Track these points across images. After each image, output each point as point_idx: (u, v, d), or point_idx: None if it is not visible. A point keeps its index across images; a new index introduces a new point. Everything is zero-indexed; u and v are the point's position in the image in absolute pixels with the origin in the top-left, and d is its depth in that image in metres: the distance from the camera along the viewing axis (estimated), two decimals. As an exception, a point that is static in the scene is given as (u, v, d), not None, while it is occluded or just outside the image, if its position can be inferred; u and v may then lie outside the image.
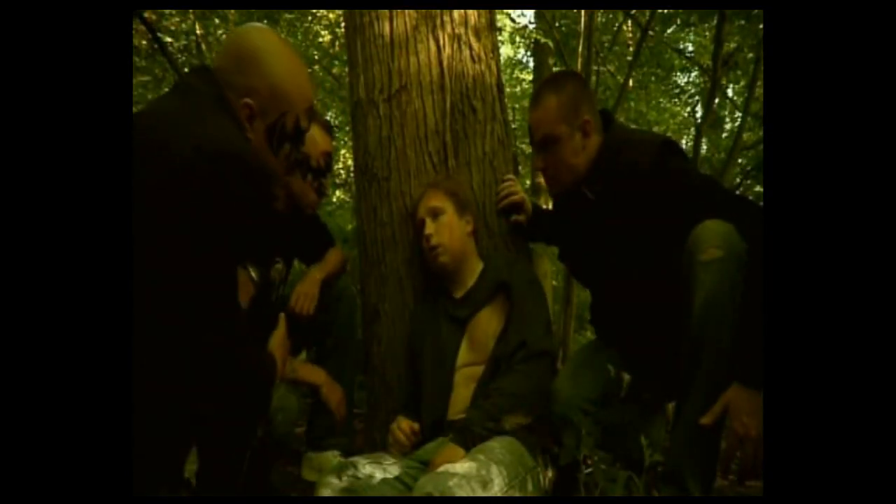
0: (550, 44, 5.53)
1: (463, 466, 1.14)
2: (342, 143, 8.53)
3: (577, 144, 1.49)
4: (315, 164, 1.76)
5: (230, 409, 0.98)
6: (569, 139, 1.49)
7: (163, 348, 0.89)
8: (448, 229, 1.56)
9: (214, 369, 0.93)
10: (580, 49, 4.84)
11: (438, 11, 1.84)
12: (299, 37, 7.92)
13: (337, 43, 7.63)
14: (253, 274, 1.09)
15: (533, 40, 6.25)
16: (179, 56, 6.37)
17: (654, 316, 1.40)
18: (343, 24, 4.67)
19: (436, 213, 1.57)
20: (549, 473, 1.37)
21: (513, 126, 7.14)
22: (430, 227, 1.56)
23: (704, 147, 6.80)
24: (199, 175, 0.87)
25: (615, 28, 6.91)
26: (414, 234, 1.68)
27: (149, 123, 0.94)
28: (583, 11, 4.82)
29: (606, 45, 6.75)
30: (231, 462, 1.02)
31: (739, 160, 5.20)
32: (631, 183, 1.40)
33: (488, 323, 1.50)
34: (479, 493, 1.09)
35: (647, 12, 4.83)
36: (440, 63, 1.81)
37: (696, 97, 8.82)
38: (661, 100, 8.76)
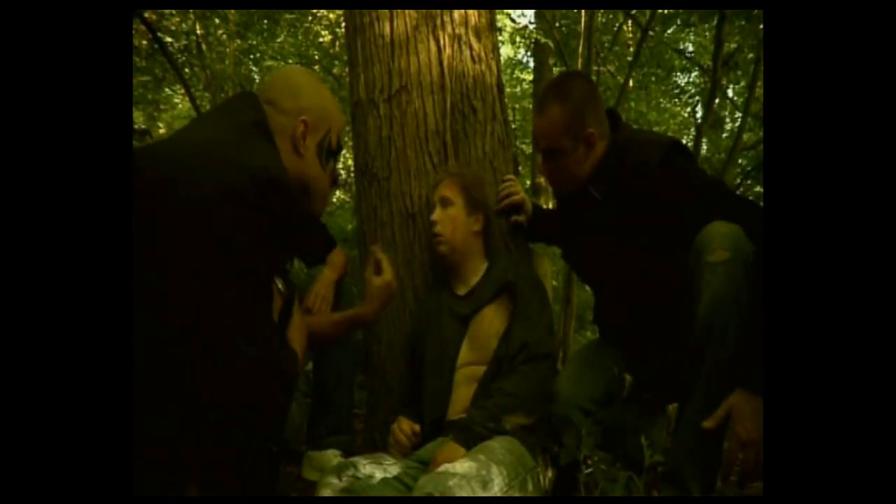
0: (551, 44, 5.54)
1: (463, 466, 1.14)
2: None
3: (581, 156, 1.49)
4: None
5: (257, 407, 1.01)
6: (572, 151, 1.48)
7: (200, 358, 0.91)
8: (452, 223, 1.57)
9: (250, 375, 0.97)
10: (580, 49, 4.85)
11: (439, 11, 1.84)
12: (299, 37, 7.93)
13: (337, 43, 7.63)
14: (280, 286, 1.10)
15: (533, 40, 6.26)
16: (179, 56, 6.37)
17: (657, 316, 1.40)
18: (343, 24, 4.67)
19: (445, 203, 1.59)
20: (549, 473, 1.37)
21: (513, 126, 7.14)
22: (436, 214, 1.58)
23: (704, 147, 6.80)
24: (249, 202, 0.93)
25: (615, 28, 6.92)
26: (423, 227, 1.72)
27: (193, 148, 1.00)
28: (583, 11, 4.84)
29: (606, 45, 6.76)
30: (239, 466, 1.03)
31: (739, 160, 5.21)
32: (638, 183, 1.40)
33: (491, 322, 1.49)
34: (479, 493, 1.09)
35: (647, 12, 4.84)
36: (440, 63, 1.81)
37: (697, 97, 8.83)
38: (661, 100, 8.77)
